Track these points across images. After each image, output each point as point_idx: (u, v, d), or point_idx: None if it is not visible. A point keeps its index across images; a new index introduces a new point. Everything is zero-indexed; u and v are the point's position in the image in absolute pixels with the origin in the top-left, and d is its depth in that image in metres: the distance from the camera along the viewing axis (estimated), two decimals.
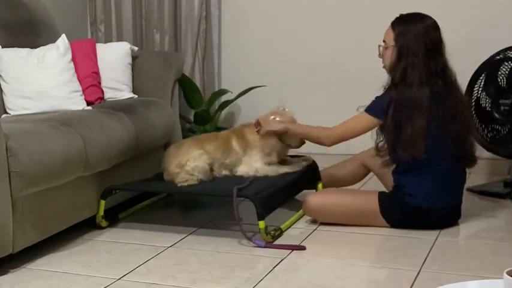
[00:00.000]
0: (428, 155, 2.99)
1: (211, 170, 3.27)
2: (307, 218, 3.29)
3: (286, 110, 3.42)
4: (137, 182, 3.33)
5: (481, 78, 3.66)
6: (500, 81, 3.62)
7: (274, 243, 2.95)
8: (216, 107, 4.53)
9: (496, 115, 3.63)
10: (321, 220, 3.21)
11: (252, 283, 2.53)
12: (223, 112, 4.62)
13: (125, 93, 3.76)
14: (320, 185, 3.50)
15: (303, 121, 3.37)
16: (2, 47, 3.41)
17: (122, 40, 4.57)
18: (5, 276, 2.63)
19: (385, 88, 3.10)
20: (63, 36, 3.52)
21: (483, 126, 3.67)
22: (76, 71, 3.48)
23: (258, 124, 3.33)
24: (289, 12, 4.50)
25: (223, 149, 3.30)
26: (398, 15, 3.11)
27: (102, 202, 3.18)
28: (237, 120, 4.69)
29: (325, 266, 2.76)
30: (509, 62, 3.58)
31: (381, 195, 3.15)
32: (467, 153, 3.10)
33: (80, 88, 3.47)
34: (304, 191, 3.45)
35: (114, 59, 3.76)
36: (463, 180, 3.18)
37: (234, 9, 4.62)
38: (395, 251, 2.88)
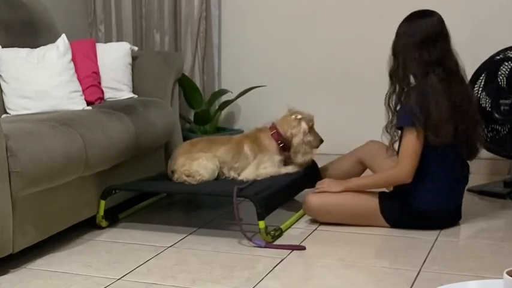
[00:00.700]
0: (431, 156, 2.98)
1: (221, 171, 3.30)
2: (307, 218, 3.29)
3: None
4: (137, 182, 3.33)
5: (481, 78, 3.66)
6: (500, 81, 3.62)
7: (274, 243, 2.95)
8: (216, 107, 4.52)
9: (496, 115, 3.63)
10: (321, 220, 3.21)
11: (252, 283, 2.53)
12: (223, 112, 4.61)
13: (125, 93, 3.76)
14: None
15: None
16: (2, 47, 3.41)
17: (122, 40, 4.56)
18: (5, 276, 2.63)
19: (402, 94, 3.05)
20: (63, 36, 3.52)
21: (483, 126, 3.67)
22: (76, 71, 3.48)
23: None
24: (289, 12, 4.50)
25: (234, 153, 3.31)
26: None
27: (102, 202, 3.18)
28: (237, 121, 4.69)
29: (325, 266, 2.75)
30: (509, 62, 3.58)
31: (381, 195, 3.15)
32: (471, 144, 3.09)
33: (80, 88, 3.47)
34: (305, 191, 3.45)
35: (114, 59, 3.76)
36: (465, 182, 3.18)
37: (234, 9, 4.62)
38: (395, 251, 2.88)
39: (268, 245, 2.91)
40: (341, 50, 4.40)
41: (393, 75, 3.06)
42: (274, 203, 3.09)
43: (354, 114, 4.34)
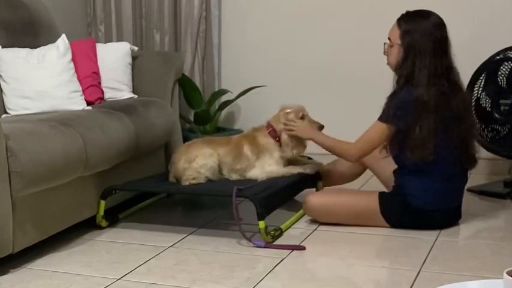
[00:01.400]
0: (433, 156, 2.98)
1: (220, 172, 3.30)
2: (307, 218, 3.29)
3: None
4: (137, 182, 3.33)
5: (481, 78, 3.66)
6: (500, 81, 3.62)
7: (274, 243, 2.95)
8: (216, 107, 4.52)
9: (496, 115, 3.63)
10: (321, 220, 3.21)
11: (252, 283, 2.53)
12: (223, 112, 4.61)
13: (125, 93, 3.76)
14: (320, 185, 3.50)
15: None
16: (2, 47, 3.41)
17: (122, 40, 4.57)
18: (5, 276, 2.63)
19: (395, 89, 3.05)
20: (63, 36, 3.52)
21: (483, 126, 3.67)
22: (76, 71, 3.48)
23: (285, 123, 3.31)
24: (289, 12, 4.50)
25: (235, 155, 3.30)
26: (404, 12, 3.06)
27: (102, 202, 3.18)
28: (237, 121, 4.69)
29: (325, 266, 2.76)
30: (509, 62, 3.58)
31: (381, 195, 3.15)
32: (469, 154, 3.09)
33: (80, 88, 3.47)
34: (305, 191, 3.45)
35: (114, 59, 3.76)
36: (465, 182, 3.18)
37: (234, 9, 4.62)
38: (395, 251, 2.88)
39: (268, 245, 2.91)
40: (341, 50, 4.40)
41: (401, 67, 3.03)
42: (274, 203, 3.10)
43: (354, 114, 4.34)
